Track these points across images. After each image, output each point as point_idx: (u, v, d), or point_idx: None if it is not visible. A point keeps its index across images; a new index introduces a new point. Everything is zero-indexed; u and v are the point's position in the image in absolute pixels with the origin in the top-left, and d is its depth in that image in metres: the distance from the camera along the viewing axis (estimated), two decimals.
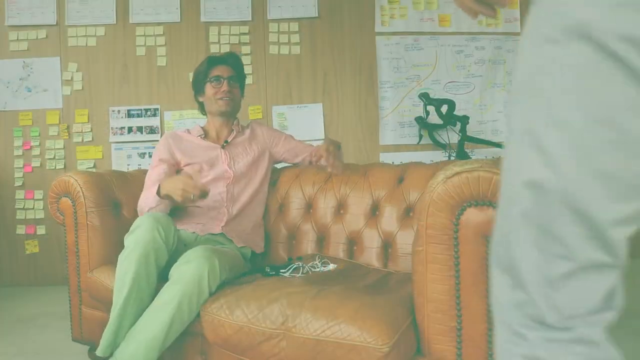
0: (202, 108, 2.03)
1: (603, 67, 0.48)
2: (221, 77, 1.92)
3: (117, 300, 1.44)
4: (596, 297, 0.55)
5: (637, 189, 0.50)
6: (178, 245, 1.63)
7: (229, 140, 1.97)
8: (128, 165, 3.16)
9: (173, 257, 1.56)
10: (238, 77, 1.98)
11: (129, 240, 1.49)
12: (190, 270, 1.41)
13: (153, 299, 1.47)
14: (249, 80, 3.13)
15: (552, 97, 0.51)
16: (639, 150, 0.48)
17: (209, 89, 1.94)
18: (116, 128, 3.16)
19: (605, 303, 0.57)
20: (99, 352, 1.45)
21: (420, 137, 3.22)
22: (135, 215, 1.87)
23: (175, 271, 1.44)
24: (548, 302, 0.55)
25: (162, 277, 1.52)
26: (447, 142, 3.12)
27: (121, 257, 1.49)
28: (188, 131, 2.01)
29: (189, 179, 1.62)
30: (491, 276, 0.61)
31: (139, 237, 1.46)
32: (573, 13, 0.49)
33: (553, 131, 0.51)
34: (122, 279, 1.45)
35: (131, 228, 1.53)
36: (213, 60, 1.96)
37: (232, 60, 1.98)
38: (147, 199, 1.71)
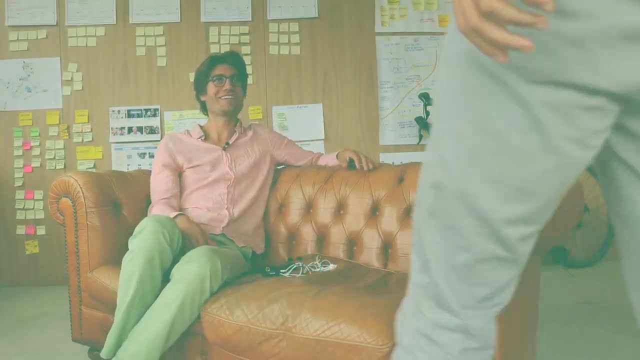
0: (203, 108, 2.03)
1: (490, 88, 0.54)
2: (223, 76, 1.92)
3: (121, 303, 1.44)
4: (492, 289, 0.61)
5: (523, 193, 0.56)
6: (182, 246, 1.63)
7: (230, 142, 1.96)
8: (128, 165, 3.16)
9: (175, 257, 1.56)
10: (240, 76, 1.98)
11: (134, 243, 1.49)
12: (192, 270, 1.41)
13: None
14: (249, 81, 3.12)
15: (449, 111, 0.59)
16: (522, 160, 0.55)
17: (211, 88, 1.93)
18: (116, 128, 3.16)
19: (496, 296, 0.63)
20: (103, 354, 1.45)
21: (421, 137, 3.22)
22: (135, 216, 1.87)
23: (177, 271, 1.44)
24: (449, 287, 0.62)
25: (164, 278, 1.52)
26: None
27: (125, 261, 1.48)
28: (188, 132, 2.00)
29: (202, 239, 1.64)
30: (411, 257, 0.69)
31: (144, 241, 1.46)
32: (465, 40, 0.54)
33: (449, 140, 0.59)
34: (126, 282, 1.44)
35: (135, 231, 1.52)
36: (215, 60, 1.95)
37: (233, 59, 1.98)
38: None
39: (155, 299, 1.46)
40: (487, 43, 0.48)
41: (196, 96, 2.02)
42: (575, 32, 0.48)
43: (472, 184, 0.57)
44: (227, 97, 1.92)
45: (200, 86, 1.97)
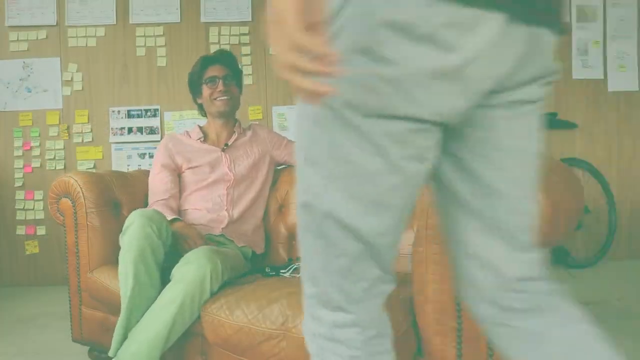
0: (201, 109, 2.03)
1: (334, 122, 0.64)
2: (216, 77, 1.91)
3: (123, 301, 1.46)
4: (370, 282, 0.72)
5: (379, 206, 0.66)
6: (174, 241, 1.63)
7: (229, 143, 1.96)
8: (128, 165, 3.16)
9: (172, 255, 1.56)
10: (233, 74, 1.96)
11: (123, 240, 1.50)
12: (192, 270, 1.41)
13: (159, 293, 1.48)
14: (249, 81, 3.13)
15: (305, 141, 0.68)
16: (371, 179, 0.64)
17: (205, 90, 1.93)
18: (116, 128, 3.16)
19: (378, 287, 0.74)
20: (111, 353, 1.45)
21: None
22: None
23: (178, 271, 1.45)
24: (336, 289, 0.71)
25: (164, 278, 1.53)
26: None
27: (120, 258, 1.50)
28: (187, 133, 2.00)
29: (199, 240, 1.63)
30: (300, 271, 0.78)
31: (132, 237, 1.47)
32: None
33: (309, 166, 0.68)
34: (124, 280, 1.46)
35: (123, 227, 1.53)
36: (206, 61, 1.94)
37: (225, 58, 1.96)
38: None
39: (155, 291, 1.47)
40: (302, 90, 0.56)
41: (193, 99, 2.02)
42: (392, 75, 0.59)
43: (334, 202, 0.67)
44: (222, 98, 1.91)
45: (194, 89, 1.97)
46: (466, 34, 0.57)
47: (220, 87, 1.91)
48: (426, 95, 0.60)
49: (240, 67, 2.06)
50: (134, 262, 1.45)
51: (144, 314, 1.45)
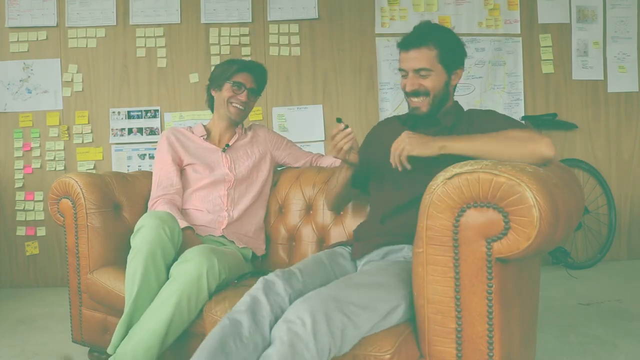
0: (210, 102, 2.01)
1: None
2: (244, 85, 1.90)
3: (128, 299, 1.46)
4: None
5: None
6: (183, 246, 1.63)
7: (230, 144, 1.96)
8: (128, 166, 3.16)
9: (178, 253, 1.57)
10: (258, 91, 1.97)
11: (135, 241, 1.50)
12: (188, 268, 1.42)
13: None
14: None
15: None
16: None
17: (226, 89, 1.90)
18: (116, 129, 3.17)
19: None
20: (109, 349, 1.45)
21: None
22: (135, 217, 1.87)
23: (175, 270, 1.45)
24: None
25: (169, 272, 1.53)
26: None
27: (129, 258, 1.50)
28: (190, 129, 2.00)
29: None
30: None
31: (144, 237, 1.47)
32: None
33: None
34: (131, 278, 1.46)
35: (135, 228, 1.53)
36: (243, 66, 1.91)
37: (259, 73, 1.96)
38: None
39: None
40: None
41: (207, 88, 1.99)
42: None
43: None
44: (239, 106, 1.91)
45: (216, 82, 1.94)
46: None
47: (244, 97, 1.90)
48: None
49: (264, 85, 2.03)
50: (144, 263, 1.45)
51: None
